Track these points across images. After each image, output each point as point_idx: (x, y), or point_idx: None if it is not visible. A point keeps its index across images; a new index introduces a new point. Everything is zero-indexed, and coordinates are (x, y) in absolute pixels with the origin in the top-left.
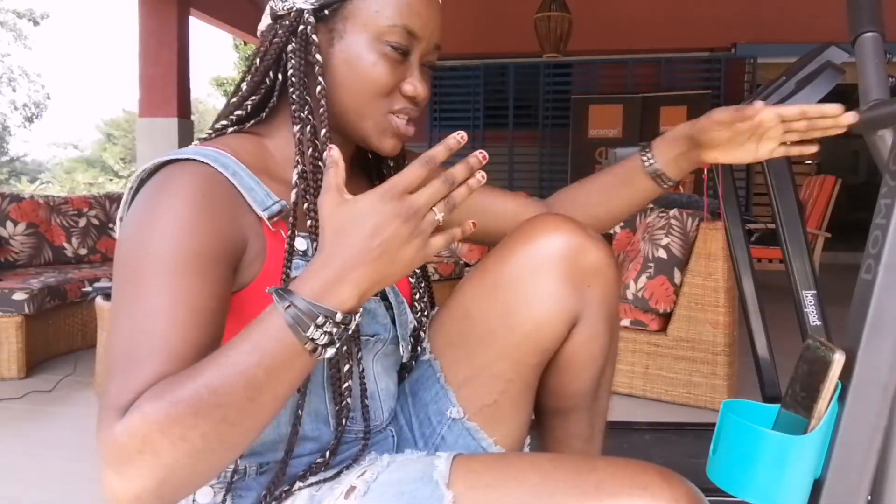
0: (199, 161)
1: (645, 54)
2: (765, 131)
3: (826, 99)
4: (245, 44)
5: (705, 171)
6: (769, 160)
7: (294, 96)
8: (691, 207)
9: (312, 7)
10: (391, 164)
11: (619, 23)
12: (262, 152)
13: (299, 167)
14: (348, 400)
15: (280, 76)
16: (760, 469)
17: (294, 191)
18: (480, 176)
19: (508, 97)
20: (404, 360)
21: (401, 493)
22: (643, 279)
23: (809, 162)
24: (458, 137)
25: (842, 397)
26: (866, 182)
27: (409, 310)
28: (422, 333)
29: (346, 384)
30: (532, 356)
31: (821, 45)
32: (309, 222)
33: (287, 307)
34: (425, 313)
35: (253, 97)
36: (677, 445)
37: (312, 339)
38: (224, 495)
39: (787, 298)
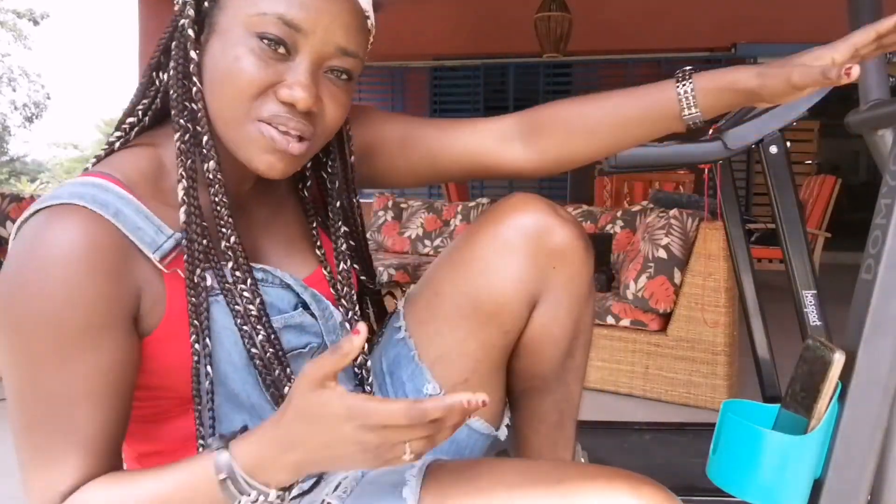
0: (76, 205)
1: (645, 54)
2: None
3: (826, 99)
4: None
5: (706, 171)
6: (769, 160)
7: (173, 99)
8: (691, 207)
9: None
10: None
11: (619, 23)
12: (156, 169)
13: (183, 181)
14: None
15: (163, 77)
16: (760, 469)
17: (182, 211)
18: (480, 400)
19: (508, 97)
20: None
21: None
22: (643, 279)
23: (809, 162)
24: (475, 402)
25: (842, 397)
26: (866, 182)
27: (335, 312)
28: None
29: None
30: (497, 337)
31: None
32: (205, 241)
33: (223, 478)
34: (355, 310)
35: (143, 101)
36: (677, 445)
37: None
38: None
39: (787, 298)
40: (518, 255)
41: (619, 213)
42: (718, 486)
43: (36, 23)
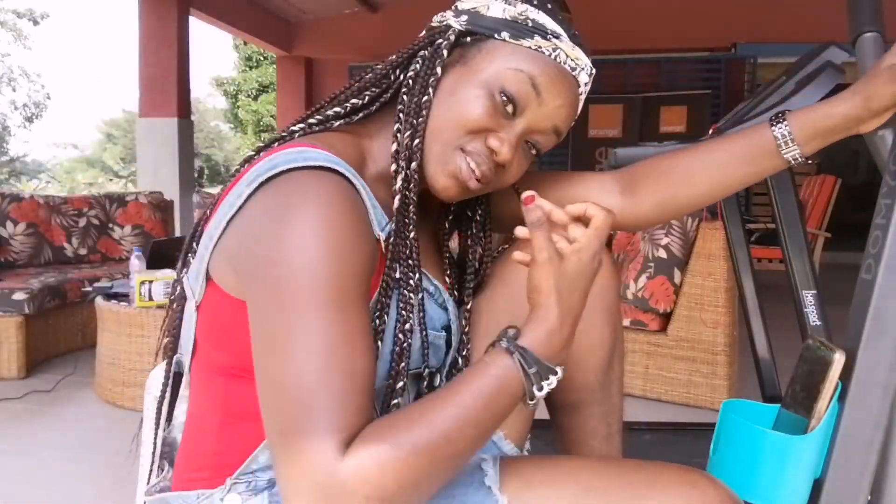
0: (331, 171)
1: (645, 54)
2: None
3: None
4: (245, 44)
5: None
6: None
7: (405, 97)
8: None
9: (460, 29)
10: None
11: (619, 23)
12: (360, 158)
13: (402, 173)
14: None
15: (402, 77)
16: (760, 469)
17: (396, 199)
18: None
19: None
20: (436, 383)
21: (450, 497)
22: (643, 279)
23: (810, 162)
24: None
25: (842, 397)
26: (866, 182)
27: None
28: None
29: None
30: None
31: (821, 45)
32: (411, 257)
33: (534, 371)
34: (467, 339)
35: (373, 88)
36: (677, 445)
37: (538, 396)
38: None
39: (787, 298)
40: None
41: None
42: None
43: (36, 23)
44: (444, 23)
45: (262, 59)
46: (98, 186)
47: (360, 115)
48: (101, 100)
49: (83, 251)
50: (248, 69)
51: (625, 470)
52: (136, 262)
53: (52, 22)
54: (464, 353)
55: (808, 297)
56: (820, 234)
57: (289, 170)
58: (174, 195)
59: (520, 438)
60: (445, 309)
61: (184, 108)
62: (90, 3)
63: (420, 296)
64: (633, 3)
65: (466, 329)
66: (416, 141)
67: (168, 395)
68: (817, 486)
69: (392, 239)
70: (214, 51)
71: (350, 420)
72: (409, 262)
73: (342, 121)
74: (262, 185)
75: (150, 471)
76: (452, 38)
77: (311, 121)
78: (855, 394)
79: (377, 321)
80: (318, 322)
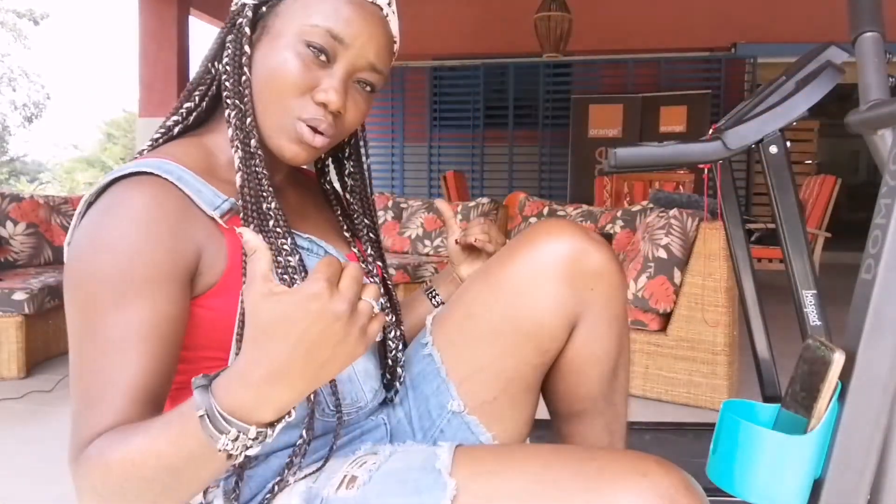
0: (143, 173)
1: (645, 54)
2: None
3: (826, 99)
4: None
5: (706, 171)
6: (769, 160)
7: (227, 83)
8: (691, 207)
9: (253, 2)
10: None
11: (619, 23)
12: (205, 156)
13: (239, 151)
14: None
15: (218, 66)
16: (760, 469)
17: (238, 176)
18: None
19: (508, 97)
20: (389, 356)
21: (403, 482)
22: (643, 279)
23: (809, 162)
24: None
25: (842, 397)
26: (866, 182)
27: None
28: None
29: None
30: (533, 356)
31: (821, 45)
32: (252, 223)
33: (201, 415)
34: (397, 305)
35: (200, 87)
36: (677, 445)
37: (226, 449)
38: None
39: (787, 298)
40: (555, 277)
41: (619, 213)
42: (718, 486)
43: (36, 23)
44: (240, 2)
45: None
46: None
47: (194, 115)
48: (101, 100)
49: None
50: None
51: (577, 459)
52: None
53: (52, 22)
54: (393, 310)
55: (808, 297)
56: (820, 234)
57: (107, 185)
58: None
59: (520, 440)
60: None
61: None
62: (90, 3)
63: (298, 258)
64: (633, 3)
65: (374, 271)
66: (248, 120)
67: None
68: (817, 486)
69: (241, 213)
70: None
71: (99, 420)
72: (276, 229)
73: (181, 126)
74: (90, 204)
75: None
76: (250, 13)
77: (155, 136)
78: (855, 394)
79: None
80: (94, 326)
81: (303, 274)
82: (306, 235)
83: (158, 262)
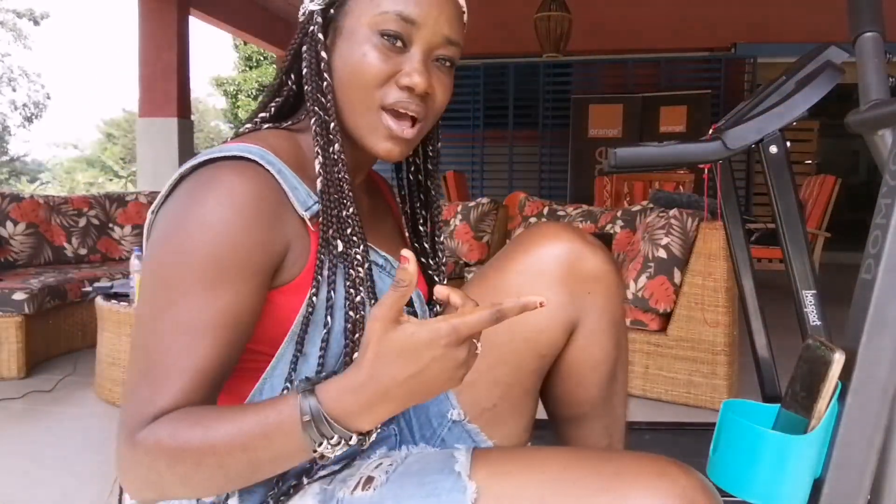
0: (246, 159)
1: (645, 54)
2: None
3: (826, 99)
4: (245, 44)
5: (706, 171)
6: (769, 160)
7: (308, 92)
8: (691, 207)
9: (320, 7)
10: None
11: (619, 23)
12: (296, 150)
13: (319, 157)
14: None
15: (295, 77)
16: (760, 469)
17: (319, 181)
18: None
19: (508, 97)
20: None
21: (421, 484)
22: (643, 279)
23: (809, 162)
24: (538, 302)
25: (842, 397)
26: (866, 182)
27: (428, 315)
28: None
29: None
30: (531, 361)
31: (821, 45)
32: (349, 230)
33: (307, 420)
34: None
35: (276, 99)
36: (677, 445)
37: (325, 452)
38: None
39: (787, 298)
40: (553, 283)
41: (618, 213)
42: (718, 485)
43: (36, 23)
44: (306, 11)
45: (262, 59)
46: (98, 186)
47: (285, 122)
48: (101, 100)
49: (83, 251)
50: (248, 69)
51: (595, 460)
52: (136, 262)
53: (52, 22)
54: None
55: (808, 297)
56: (820, 234)
57: (206, 161)
58: None
59: (520, 443)
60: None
61: (184, 107)
62: (90, 3)
63: (367, 267)
64: (633, 3)
65: (434, 297)
66: (332, 124)
67: None
68: (817, 486)
69: (321, 217)
70: (214, 51)
71: (162, 399)
72: (353, 237)
73: (268, 125)
74: (183, 177)
75: None
76: (320, 19)
77: (241, 132)
78: (855, 394)
79: (314, 298)
80: (173, 307)
81: (369, 284)
82: (383, 253)
83: (253, 253)
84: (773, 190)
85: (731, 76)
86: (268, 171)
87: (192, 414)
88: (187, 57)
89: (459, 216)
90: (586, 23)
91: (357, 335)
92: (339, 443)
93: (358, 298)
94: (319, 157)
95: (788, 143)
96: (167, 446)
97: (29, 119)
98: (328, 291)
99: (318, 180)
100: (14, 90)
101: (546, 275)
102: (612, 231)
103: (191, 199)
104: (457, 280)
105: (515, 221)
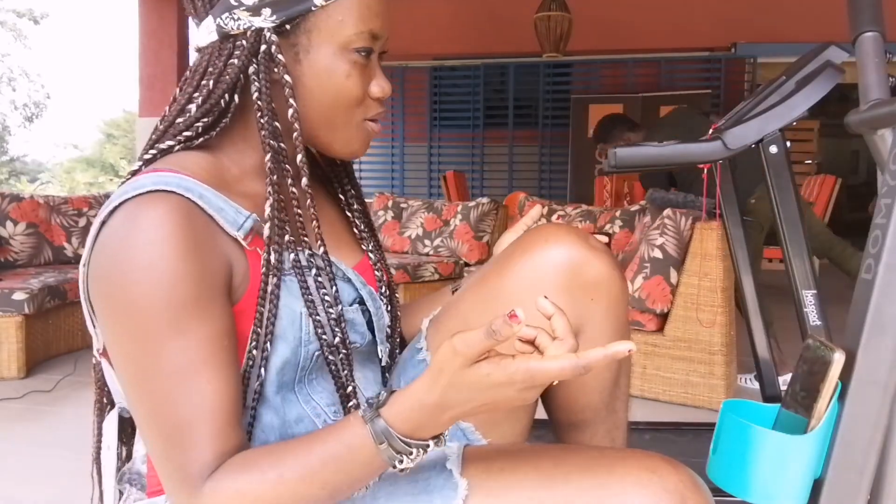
0: (163, 191)
1: (645, 54)
2: None
3: (826, 99)
4: None
5: (705, 171)
6: (769, 160)
7: (263, 121)
8: (686, 207)
9: (273, 25)
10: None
11: (619, 23)
12: (217, 167)
13: (271, 199)
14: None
15: (237, 98)
16: (760, 469)
17: (266, 223)
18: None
19: (508, 97)
20: (383, 363)
21: (414, 481)
22: (639, 279)
23: (809, 162)
24: (624, 352)
25: (842, 397)
26: (866, 182)
27: (385, 313)
28: (396, 329)
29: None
30: None
31: (821, 44)
32: (287, 237)
33: (383, 445)
34: (397, 310)
35: (205, 119)
36: (676, 445)
37: (407, 466)
38: None
39: (787, 298)
40: (554, 288)
41: (617, 213)
42: (718, 485)
43: (36, 23)
44: (251, 28)
45: None
46: (98, 186)
47: (199, 141)
48: (101, 100)
49: (83, 251)
50: None
51: (586, 457)
52: None
53: (52, 22)
54: (394, 316)
55: (808, 297)
56: None
57: (123, 202)
58: None
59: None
60: (349, 281)
61: None
62: (90, 3)
63: (313, 273)
64: (633, 3)
65: (385, 291)
66: (300, 157)
67: (116, 447)
68: (817, 486)
69: (268, 223)
70: None
71: (202, 452)
72: (304, 239)
73: (178, 149)
74: (104, 223)
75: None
76: (275, 37)
77: (163, 147)
78: (855, 394)
79: (262, 309)
80: (158, 358)
81: (339, 306)
82: (332, 258)
83: (200, 279)
84: (773, 190)
85: (731, 76)
86: (187, 198)
87: (249, 459)
88: (187, 57)
89: (459, 216)
90: (586, 23)
91: (331, 339)
92: (417, 455)
93: (332, 321)
94: (270, 197)
95: (788, 143)
96: (235, 497)
97: (29, 119)
98: (274, 310)
99: (266, 213)
100: (14, 90)
101: (547, 281)
102: (611, 231)
103: (122, 246)
104: (456, 279)
105: (515, 221)
